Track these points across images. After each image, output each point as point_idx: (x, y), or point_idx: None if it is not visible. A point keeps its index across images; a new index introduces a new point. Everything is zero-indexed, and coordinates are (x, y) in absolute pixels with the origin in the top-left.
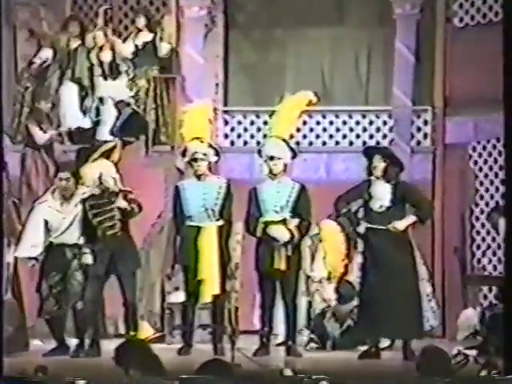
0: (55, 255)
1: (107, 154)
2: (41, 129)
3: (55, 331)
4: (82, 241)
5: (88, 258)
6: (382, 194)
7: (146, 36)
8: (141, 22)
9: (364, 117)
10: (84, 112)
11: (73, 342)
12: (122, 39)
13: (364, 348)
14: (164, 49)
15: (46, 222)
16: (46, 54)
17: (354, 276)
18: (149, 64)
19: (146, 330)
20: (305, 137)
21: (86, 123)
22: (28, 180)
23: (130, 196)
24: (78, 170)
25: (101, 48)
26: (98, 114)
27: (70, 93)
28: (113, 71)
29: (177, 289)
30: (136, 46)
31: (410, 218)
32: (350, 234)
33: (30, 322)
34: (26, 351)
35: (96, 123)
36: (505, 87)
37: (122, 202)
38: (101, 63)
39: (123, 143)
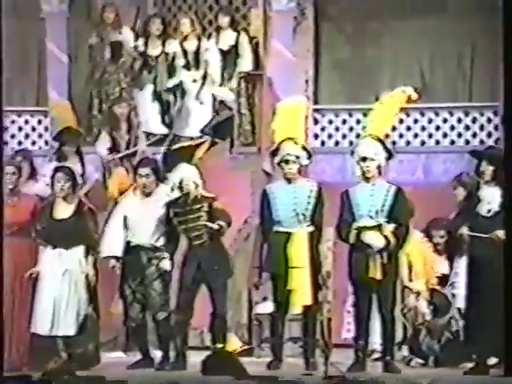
0: (132, 257)
1: (191, 151)
2: (112, 137)
3: (139, 341)
4: (159, 243)
5: (166, 264)
6: (492, 198)
7: (230, 37)
8: (224, 21)
9: (467, 114)
10: (163, 117)
11: (158, 354)
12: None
13: (470, 364)
14: (247, 58)
15: (126, 219)
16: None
17: (447, 288)
18: (237, 64)
19: (233, 343)
20: (401, 136)
21: (164, 129)
22: (106, 186)
23: (216, 205)
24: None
25: (185, 37)
26: (179, 111)
27: (148, 97)
28: (197, 62)
29: (265, 299)
30: (220, 49)
31: None
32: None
33: (112, 334)
34: (98, 365)
35: (175, 123)
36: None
37: (211, 225)
38: (185, 53)
39: (209, 145)
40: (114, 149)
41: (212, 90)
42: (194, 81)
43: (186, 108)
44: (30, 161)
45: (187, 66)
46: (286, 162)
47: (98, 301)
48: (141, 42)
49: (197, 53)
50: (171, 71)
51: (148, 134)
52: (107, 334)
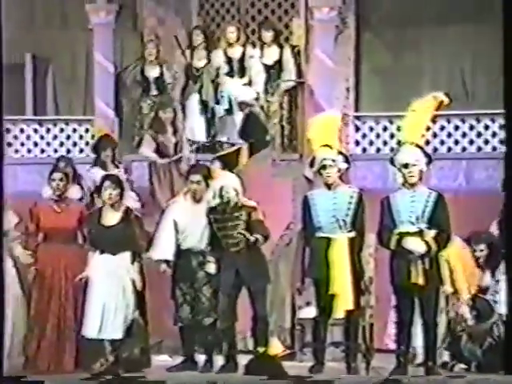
0: (183, 261)
1: (232, 157)
2: (156, 142)
3: (186, 343)
4: (207, 248)
5: (211, 268)
6: None
7: (274, 53)
8: (268, 36)
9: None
10: (208, 125)
11: (201, 357)
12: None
13: None
14: (290, 71)
15: (176, 224)
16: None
17: (488, 293)
18: (280, 77)
19: (275, 347)
20: (442, 143)
21: (208, 137)
22: (153, 191)
23: (255, 216)
24: (210, 175)
25: (230, 45)
26: (223, 120)
27: (194, 105)
28: (242, 70)
29: (308, 304)
30: (265, 64)
31: None
32: (483, 256)
33: (158, 337)
34: (149, 368)
35: (218, 131)
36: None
37: (248, 236)
38: (229, 60)
39: (250, 151)
40: (158, 153)
41: (235, 93)
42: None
43: (231, 116)
44: (73, 167)
45: (231, 74)
46: (324, 167)
47: (146, 305)
48: (187, 53)
49: (241, 61)
50: (216, 81)
51: (192, 142)
52: (153, 337)
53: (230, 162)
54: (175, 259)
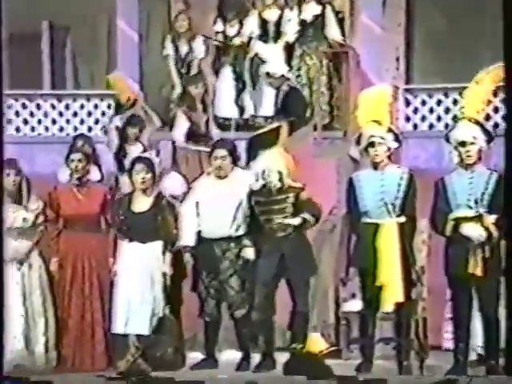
0: (205, 248)
1: (271, 135)
2: (189, 118)
3: (209, 339)
4: (236, 233)
5: (249, 253)
6: None
7: (314, 8)
8: None
9: None
10: (239, 102)
11: (224, 355)
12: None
13: None
14: (333, 26)
15: (197, 205)
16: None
17: None
18: (319, 39)
19: (318, 343)
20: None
21: (239, 113)
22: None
23: (303, 196)
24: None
25: (267, 6)
26: (257, 95)
27: (225, 80)
28: (278, 34)
29: (353, 296)
30: (303, 20)
31: None
32: None
33: (190, 332)
34: (182, 368)
35: (250, 104)
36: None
37: (293, 220)
38: (263, 23)
39: (290, 129)
40: (191, 130)
41: (263, 67)
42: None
43: (261, 87)
44: (92, 147)
45: (265, 39)
46: (372, 145)
47: (179, 300)
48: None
49: (277, 24)
50: (248, 51)
51: (223, 119)
52: (185, 332)
53: (268, 141)
54: (196, 247)
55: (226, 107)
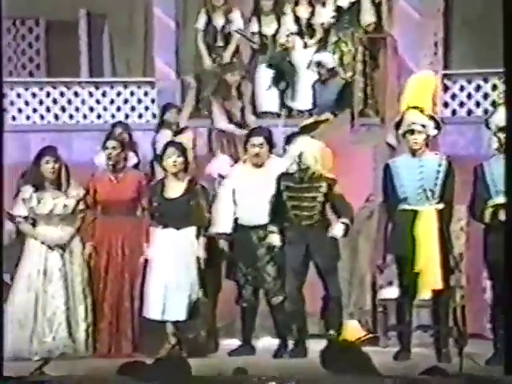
0: (241, 236)
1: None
2: (223, 107)
3: (246, 325)
4: (270, 218)
5: (275, 239)
6: None
7: None
8: None
9: None
10: (281, 93)
11: (261, 342)
12: (321, 2)
13: None
14: (369, 12)
15: (234, 192)
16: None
17: None
18: (355, 26)
19: (355, 330)
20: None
21: (276, 105)
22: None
23: (337, 189)
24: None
25: (296, 3)
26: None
27: (260, 73)
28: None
29: (390, 283)
30: (339, 7)
31: None
32: None
33: (226, 320)
34: (216, 353)
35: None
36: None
37: (338, 231)
38: (297, 19)
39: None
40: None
41: (314, 56)
42: (306, 47)
43: (298, 79)
44: (129, 134)
45: (300, 34)
46: (411, 132)
47: (213, 285)
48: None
49: (310, 18)
50: (287, 46)
51: (262, 112)
52: (221, 319)
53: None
54: (233, 234)
55: (266, 102)
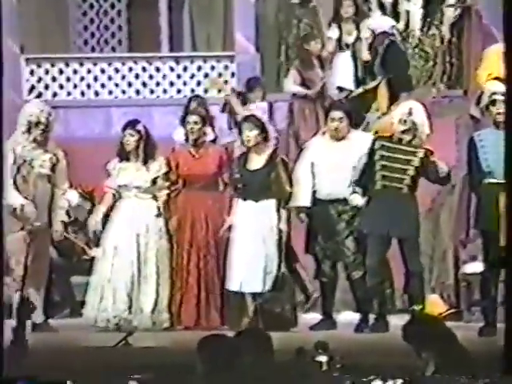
0: (320, 209)
1: (369, 95)
2: (301, 75)
3: (326, 299)
4: (356, 180)
5: (358, 199)
6: None
7: None
8: None
9: None
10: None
11: (342, 316)
12: None
13: None
14: None
15: (313, 165)
16: None
17: None
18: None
19: (438, 305)
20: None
21: (352, 83)
22: (296, 133)
23: (434, 159)
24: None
25: None
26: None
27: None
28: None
29: (474, 258)
30: None
31: None
32: None
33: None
34: (295, 327)
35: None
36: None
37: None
38: (381, 5)
39: (388, 87)
40: (304, 86)
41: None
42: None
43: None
44: (206, 108)
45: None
46: (493, 102)
47: (295, 258)
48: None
49: (395, 4)
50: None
51: (340, 89)
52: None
53: (366, 102)
54: (312, 208)
55: (342, 79)
